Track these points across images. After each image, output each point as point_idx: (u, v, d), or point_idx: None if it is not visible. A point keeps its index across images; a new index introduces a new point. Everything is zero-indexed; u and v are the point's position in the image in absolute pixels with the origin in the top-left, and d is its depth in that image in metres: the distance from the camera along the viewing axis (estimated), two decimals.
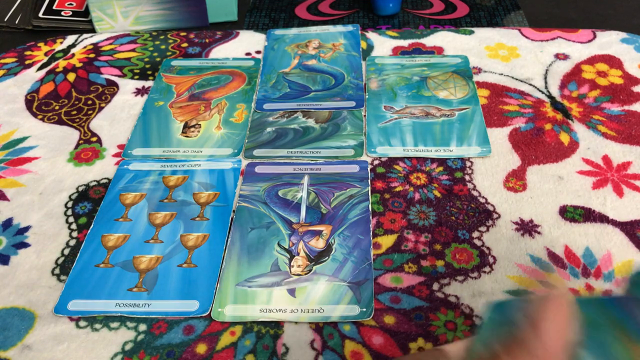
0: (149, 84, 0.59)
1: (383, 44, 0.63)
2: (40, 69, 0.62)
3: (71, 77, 0.60)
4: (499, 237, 0.42)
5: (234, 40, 0.65)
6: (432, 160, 0.49)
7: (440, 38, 0.63)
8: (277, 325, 0.38)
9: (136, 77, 0.60)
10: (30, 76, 0.61)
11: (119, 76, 0.60)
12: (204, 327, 0.38)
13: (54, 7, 0.71)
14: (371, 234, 0.43)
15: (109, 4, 0.65)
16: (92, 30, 0.68)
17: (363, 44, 0.63)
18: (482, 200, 0.45)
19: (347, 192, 0.46)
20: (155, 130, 0.53)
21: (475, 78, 0.57)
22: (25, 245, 0.44)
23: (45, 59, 0.63)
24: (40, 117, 0.56)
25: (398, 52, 0.61)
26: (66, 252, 0.43)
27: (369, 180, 0.47)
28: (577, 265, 0.40)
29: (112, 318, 0.38)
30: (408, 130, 0.51)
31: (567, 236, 0.42)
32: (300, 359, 0.36)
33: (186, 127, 0.53)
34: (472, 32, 0.64)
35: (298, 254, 0.41)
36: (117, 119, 0.55)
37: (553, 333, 0.23)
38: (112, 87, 0.59)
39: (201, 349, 0.36)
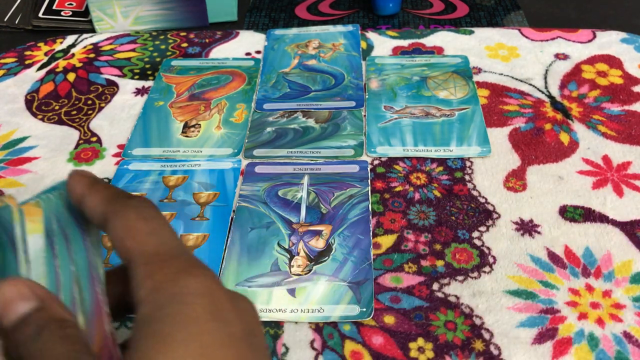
0: (149, 84, 0.59)
1: (383, 44, 0.63)
2: (40, 69, 0.62)
3: (71, 77, 0.60)
4: (499, 237, 0.42)
5: (234, 40, 0.65)
6: (432, 160, 0.49)
7: (440, 38, 0.63)
8: (277, 325, 0.38)
9: (136, 77, 0.60)
10: (30, 76, 0.61)
11: (119, 76, 0.60)
12: None
13: (54, 7, 0.71)
14: (371, 233, 0.43)
15: (109, 4, 0.65)
16: (92, 30, 0.68)
17: (363, 44, 0.63)
18: (482, 200, 0.45)
19: (347, 192, 0.46)
20: (155, 130, 0.53)
21: (475, 78, 0.57)
22: None
23: (45, 59, 0.63)
24: (40, 117, 0.56)
25: (398, 52, 0.61)
26: None
27: (369, 180, 0.47)
28: (577, 265, 0.40)
29: None
30: (408, 130, 0.51)
31: (567, 236, 0.42)
32: (300, 359, 0.36)
33: (186, 127, 0.53)
34: (472, 32, 0.64)
35: (298, 253, 0.41)
36: (117, 119, 0.55)
37: None
38: (112, 87, 0.59)
39: None
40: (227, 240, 0.43)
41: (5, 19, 0.71)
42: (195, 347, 0.20)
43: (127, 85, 0.59)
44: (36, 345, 0.21)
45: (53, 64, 0.62)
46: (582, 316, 0.37)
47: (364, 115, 0.53)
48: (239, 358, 0.21)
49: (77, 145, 0.52)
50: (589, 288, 0.39)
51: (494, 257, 0.41)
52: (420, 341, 0.36)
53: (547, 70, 0.58)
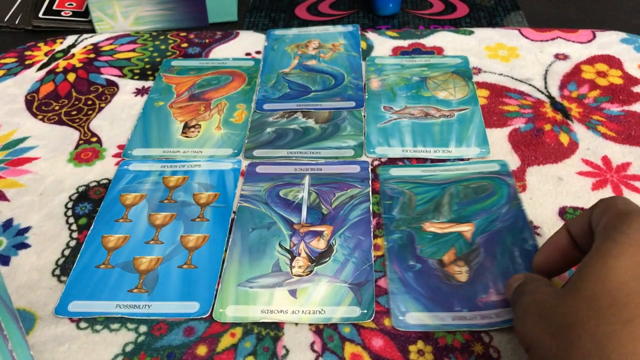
0: (149, 84, 0.59)
1: (383, 44, 0.63)
2: (40, 69, 0.62)
3: (71, 77, 0.60)
4: None
5: (234, 40, 0.65)
6: (431, 161, 0.49)
7: (440, 38, 0.63)
8: (277, 327, 0.38)
9: (136, 77, 0.60)
10: (30, 76, 0.61)
11: (119, 76, 0.60)
12: (205, 328, 0.38)
13: (54, 7, 0.71)
14: (372, 235, 0.43)
15: (109, 4, 0.65)
16: (92, 31, 0.68)
17: (363, 44, 0.63)
18: None
19: (348, 192, 0.46)
20: (155, 131, 0.53)
21: (475, 78, 0.57)
22: (25, 246, 0.44)
23: (45, 59, 0.63)
24: (40, 117, 0.56)
25: (398, 52, 0.61)
26: (66, 253, 0.43)
27: (370, 181, 0.47)
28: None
29: (112, 319, 0.38)
30: (407, 130, 0.51)
31: None
32: None
33: (186, 127, 0.53)
34: (471, 33, 0.64)
35: (299, 254, 0.42)
36: (117, 119, 0.55)
37: None
38: (112, 87, 0.59)
39: (201, 350, 0.36)
40: (228, 240, 0.43)
41: (6, 19, 0.71)
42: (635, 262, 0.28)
43: (127, 86, 0.59)
44: None
45: (53, 64, 0.62)
46: None
47: (364, 116, 0.53)
48: None
49: (77, 145, 0.52)
50: None
51: None
52: (420, 344, 0.36)
53: (546, 71, 0.58)
